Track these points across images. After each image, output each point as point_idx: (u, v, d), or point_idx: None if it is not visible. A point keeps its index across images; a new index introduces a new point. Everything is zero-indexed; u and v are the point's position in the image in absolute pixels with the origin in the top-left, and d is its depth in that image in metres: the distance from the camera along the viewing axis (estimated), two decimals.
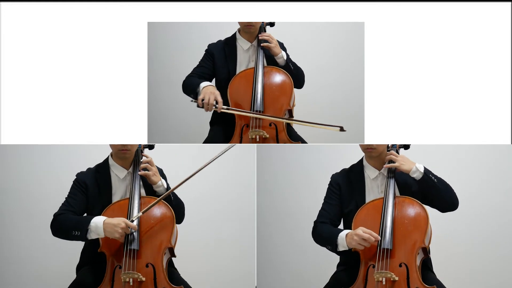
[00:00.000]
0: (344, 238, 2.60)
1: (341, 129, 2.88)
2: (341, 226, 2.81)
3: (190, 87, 3.04)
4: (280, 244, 3.78)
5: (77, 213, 2.66)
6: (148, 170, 2.68)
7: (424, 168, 2.65)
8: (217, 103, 2.92)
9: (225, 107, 2.96)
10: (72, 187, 2.75)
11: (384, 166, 2.72)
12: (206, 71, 3.13)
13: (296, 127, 3.19)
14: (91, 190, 2.72)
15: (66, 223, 2.59)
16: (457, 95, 3.11)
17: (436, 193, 2.65)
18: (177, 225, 2.76)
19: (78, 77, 3.11)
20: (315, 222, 2.78)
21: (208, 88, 2.95)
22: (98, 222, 2.54)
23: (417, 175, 2.65)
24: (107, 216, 2.60)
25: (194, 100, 2.98)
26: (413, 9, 3.12)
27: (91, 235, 2.55)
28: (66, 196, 2.72)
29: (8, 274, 3.57)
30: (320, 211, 2.81)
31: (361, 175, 2.80)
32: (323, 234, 2.71)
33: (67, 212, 2.64)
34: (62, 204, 2.69)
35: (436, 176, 2.66)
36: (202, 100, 2.93)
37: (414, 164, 2.66)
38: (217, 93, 2.95)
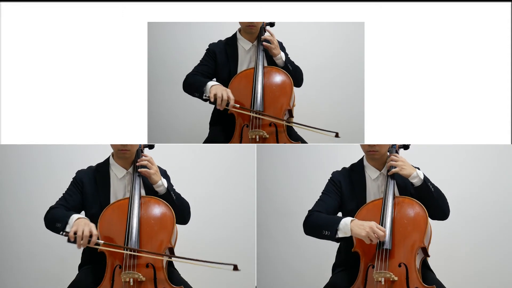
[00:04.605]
0: (348, 224, 2.57)
1: (336, 135, 2.88)
2: None
3: (195, 85, 3.01)
4: (280, 244, 3.78)
5: (71, 209, 2.68)
6: (148, 169, 2.69)
7: (424, 176, 2.65)
8: (229, 100, 2.92)
9: (237, 105, 2.96)
10: (70, 183, 2.78)
11: (388, 173, 2.71)
12: (208, 70, 3.12)
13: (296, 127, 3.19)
14: (87, 188, 2.74)
15: (54, 215, 2.62)
16: (457, 95, 3.12)
17: (430, 202, 2.64)
18: (182, 225, 2.76)
19: (78, 77, 3.11)
20: (310, 211, 2.74)
21: (218, 86, 2.95)
22: (74, 217, 2.57)
23: (416, 181, 2.65)
24: (107, 216, 2.64)
25: (206, 96, 2.96)
26: (413, 9, 3.13)
27: (67, 228, 2.56)
28: (64, 191, 2.76)
29: (7, 274, 3.58)
30: (317, 201, 2.78)
31: (362, 175, 2.80)
32: (320, 220, 2.66)
33: (61, 206, 2.68)
34: (59, 198, 2.74)
35: (433, 185, 2.66)
36: (215, 95, 2.92)
37: (415, 170, 2.66)
38: (228, 90, 2.94)
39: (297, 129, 3.17)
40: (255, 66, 3.06)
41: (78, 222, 2.53)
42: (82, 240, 2.49)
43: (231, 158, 3.68)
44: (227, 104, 2.91)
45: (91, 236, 2.50)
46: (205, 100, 2.98)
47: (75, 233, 2.49)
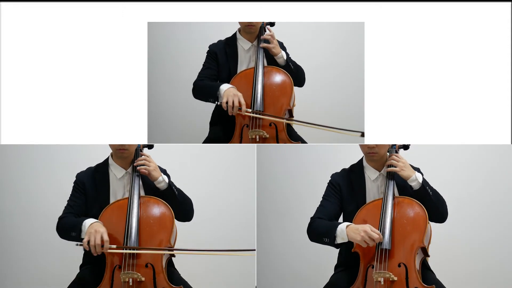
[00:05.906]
0: (344, 229, 2.59)
1: (362, 134, 2.89)
2: None
3: (209, 90, 3.01)
4: (280, 244, 3.78)
5: (79, 215, 2.70)
6: (147, 166, 2.69)
7: (423, 179, 2.65)
8: (240, 106, 2.91)
9: (249, 110, 2.95)
10: (72, 188, 2.78)
11: (386, 170, 2.71)
12: (214, 72, 3.12)
13: (296, 127, 3.19)
14: (88, 189, 2.74)
15: (66, 225, 2.65)
16: (457, 95, 3.11)
17: (428, 205, 2.63)
18: (183, 223, 2.77)
19: (78, 77, 3.11)
20: (312, 218, 2.76)
21: (230, 91, 2.94)
22: (87, 223, 2.58)
23: (415, 185, 2.64)
24: (106, 216, 2.64)
25: (218, 103, 2.95)
26: (413, 9, 3.12)
27: (82, 235, 2.58)
28: (68, 198, 2.76)
29: (8, 274, 3.58)
30: (318, 208, 2.80)
31: (361, 176, 2.79)
32: (320, 228, 2.68)
33: (69, 215, 2.70)
34: (65, 207, 2.74)
35: (432, 188, 2.66)
36: (226, 102, 2.91)
37: (414, 173, 2.65)
38: (240, 94, 2.93)
39: (298, 129, 3.17)
40: (255, 66, 3.06)
41: (89, 229, 2.55)
42: (96, 249, 2.51)
43: (231, 158, 3.68)
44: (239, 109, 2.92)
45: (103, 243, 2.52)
46: (219, 105, 2.97)
47: (88, 243, 2.52)
